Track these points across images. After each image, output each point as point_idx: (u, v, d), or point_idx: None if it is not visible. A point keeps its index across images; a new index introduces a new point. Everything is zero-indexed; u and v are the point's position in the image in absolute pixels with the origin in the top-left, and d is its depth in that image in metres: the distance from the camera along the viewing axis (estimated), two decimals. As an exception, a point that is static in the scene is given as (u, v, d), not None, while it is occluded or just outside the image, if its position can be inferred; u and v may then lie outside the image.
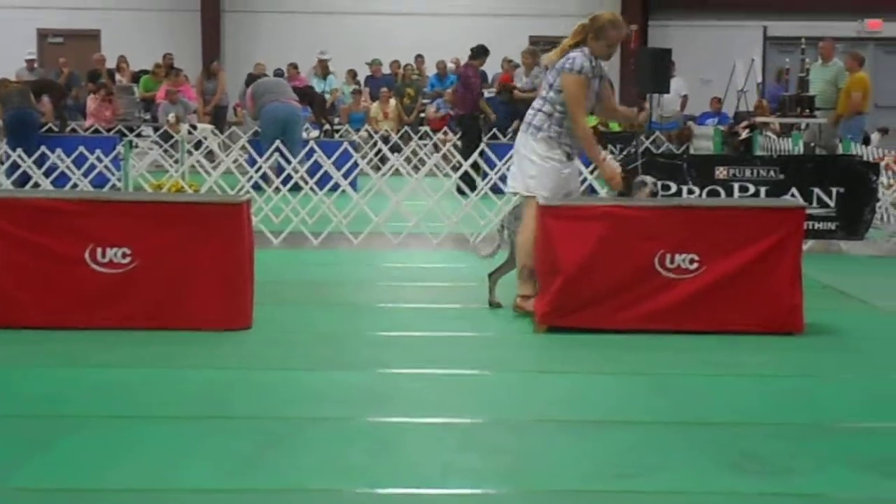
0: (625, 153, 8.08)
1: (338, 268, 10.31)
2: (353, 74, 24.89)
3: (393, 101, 23.45)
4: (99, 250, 7.14)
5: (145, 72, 24.09)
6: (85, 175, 13.66)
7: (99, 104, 21.85)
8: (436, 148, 19.78)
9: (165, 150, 17.89)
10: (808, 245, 10.62)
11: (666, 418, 5.45)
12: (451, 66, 25.47)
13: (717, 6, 27.45)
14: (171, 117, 20.53)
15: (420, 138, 21.93)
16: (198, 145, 18.33)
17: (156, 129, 21.60)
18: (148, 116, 23.09)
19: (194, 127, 20.66)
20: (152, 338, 6.97)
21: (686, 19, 27.48)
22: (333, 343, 7.08)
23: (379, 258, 10.82)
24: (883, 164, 12.17)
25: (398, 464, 4.76)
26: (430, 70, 25.70)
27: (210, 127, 21.36)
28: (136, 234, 7.17)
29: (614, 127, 22.82)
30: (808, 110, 17.53)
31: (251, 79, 18.61)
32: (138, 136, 21.54)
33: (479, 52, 18.31)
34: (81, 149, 14.30)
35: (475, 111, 18.17)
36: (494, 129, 20.81)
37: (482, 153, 13.63)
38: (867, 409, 5.73)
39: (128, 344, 6.85)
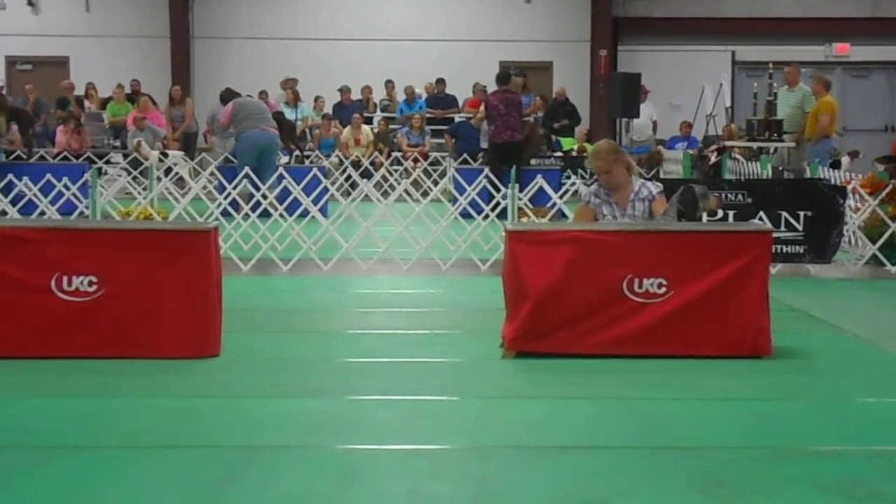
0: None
1: (307, 294, 10.28)
2: (321, 104, 24.90)
3: (365, 127, 23.49)
4: (65, 279, 7.09)
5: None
6: (52, 203, 13.59)
7: (69, 136, 21.81)
8: (406, 174, 19.82)
9: (134, 177, 17.85)
10: (776, 268, 10.69)
11: (633, 443, 5.44)
12: (418, 91, 25.57)
13: (686, 31, 27.64)
14: (136, 141, 20.49)
15: (391, 164, 21.98)
16: (167, 172, 18.29)
17: (125, 156, 21.57)
18: (117, 143, 23.05)
19: (165, 154, 20.62)
20: (119, 367, 6.92)
21: (655, 44, 27.67)
22: (302, 370, 7.06)
23: (348, 284, 10.79)
24: (850, 187, 12.24)
25: (366, 491, 4.73)
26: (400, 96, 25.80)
27: (181, 153, 21.33)
28: (103, 262, 7.12)
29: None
30: (776, 134, 17.65)
31: (229, 94, 18.35)
32: (107, 162, 21.50)
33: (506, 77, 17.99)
34: (49, 176, 14.25)
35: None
36: (465, 155, 20.90)
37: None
38: (834, 432, 5.74)
39: (94, 373, 6.80)
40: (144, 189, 16.15)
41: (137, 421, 5.81)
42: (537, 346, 7.24)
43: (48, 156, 21.17)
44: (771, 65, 18.86)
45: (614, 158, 8.31)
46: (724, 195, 10.90)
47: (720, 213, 10.84)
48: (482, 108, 17.83)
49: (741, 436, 5.61)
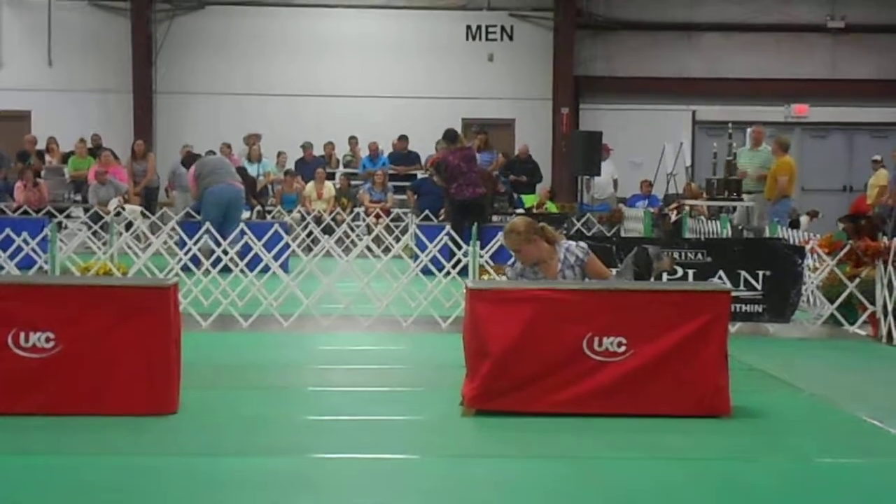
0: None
1: (267, 350, 10.23)
2: (283, 159, 24.91)
3: (328, 182, 23.50)
4: (22, 335, 7.03)
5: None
6: (11, 258, 13.48)
7: (27, 192, 21.69)
8: (368, 230, 19.83)
9: (95, 232, 17.75)
10: (735, 327, 10.73)
11: (593, 503, 5.43)
12: (382, 147, 25.63)
13: (647, 90, 27.89)
14: (114, 203, 20.40)
15: (353, 220, 21.98)
16: (128, 227, 18.20)
17: (86, 210, 21.47)
18: (78, 198, 22.95)
19: (123, 208, 20.55)
20: (76, 424, 6.85)
21: (616, 103, 27.87)
22: (261, 428, 7.01)
23: (309, 341, 10.75)
24: (808, 247, 12.34)
25: (323, 552, 4.70)
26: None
27: (139, 208, 21.26)
28: (61, 318, 7.07)
29: (551, 208, 23.10)
30: (735, 193, 17.80)
31: (190, 157, 18.39)
32: (68, 217, 21.38)
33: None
34: (8, 230, 14.14)
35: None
36: (427, 211, 20.93)
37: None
38: (792, 493, 5.76)
39: (50, 430, 6.73)
40: (105, 244, 16.05)
41: (93, 479, 5.75)
42: (497, 405, 7.23)
43: (8, 210, 21.03)
44: (730, 124, 19.04)
45: (524, 238, 8.03)
46: (683, 254, 10.97)
47: (679, 272, 10.89)
48: (438, 165, 18.30)
49: (700, 496, 5.62)
